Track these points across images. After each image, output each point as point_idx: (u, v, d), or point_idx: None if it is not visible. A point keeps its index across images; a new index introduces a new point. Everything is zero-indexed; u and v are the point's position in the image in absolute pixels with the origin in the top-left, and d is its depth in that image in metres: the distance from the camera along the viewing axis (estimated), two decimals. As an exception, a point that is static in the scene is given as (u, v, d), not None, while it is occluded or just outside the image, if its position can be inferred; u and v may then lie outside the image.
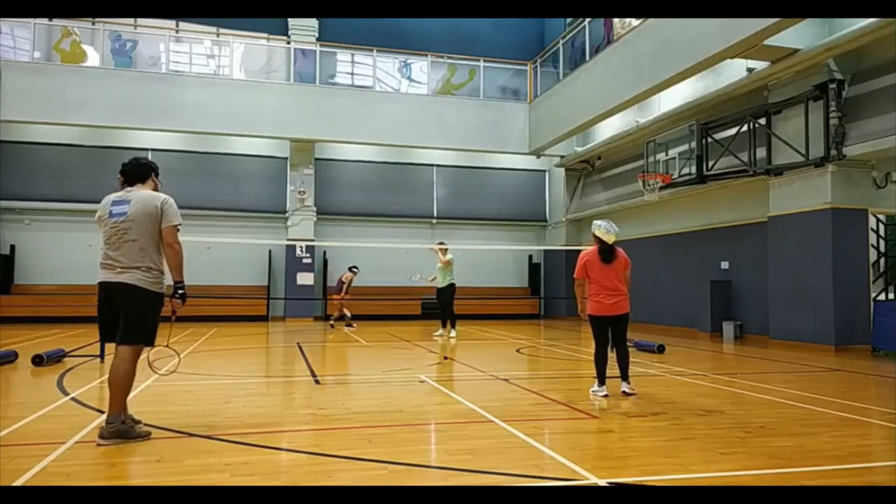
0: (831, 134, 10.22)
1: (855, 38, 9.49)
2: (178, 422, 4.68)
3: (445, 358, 9.41)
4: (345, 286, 14.88)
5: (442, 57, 18.36)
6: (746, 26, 9.37)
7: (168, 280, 4.42)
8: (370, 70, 18.08)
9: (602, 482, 3.36)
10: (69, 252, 16.35)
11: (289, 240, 17.45)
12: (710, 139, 12.27)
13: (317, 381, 7.04)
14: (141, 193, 4.39)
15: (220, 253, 17.20)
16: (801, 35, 10.13)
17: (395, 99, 17.90)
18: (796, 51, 10.28)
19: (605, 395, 5.94)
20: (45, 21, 15.98)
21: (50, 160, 16.73)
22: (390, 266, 18.17)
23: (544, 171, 20.44)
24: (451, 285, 12.49)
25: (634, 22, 12.82)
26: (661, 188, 13.21)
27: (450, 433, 4.60)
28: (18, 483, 3.28)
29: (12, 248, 16.51)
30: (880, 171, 10.63)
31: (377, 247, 18.10)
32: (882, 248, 11.28)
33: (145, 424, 4.41)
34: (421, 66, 18.40)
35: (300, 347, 10.59)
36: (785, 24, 9.09)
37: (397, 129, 17.22)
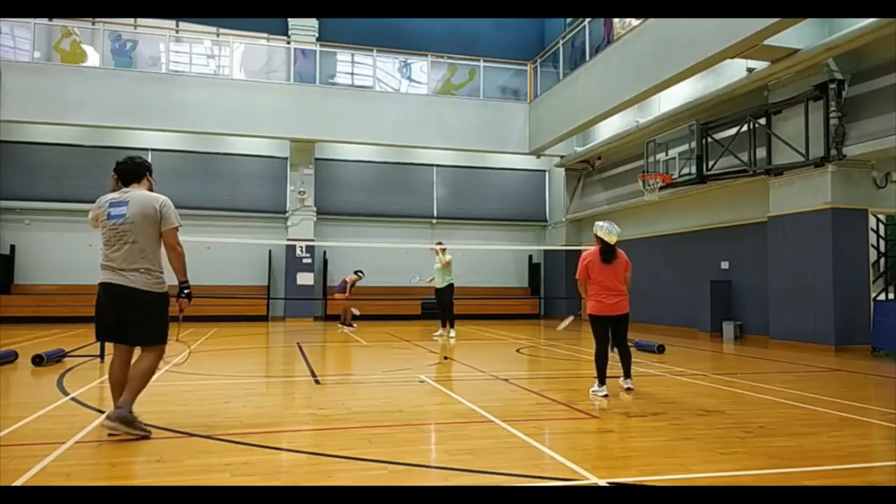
0: (831, 134, 10.22)
1: (855, 38, 9.49)
2: (178, 422, 4.68)
3: (445, 358, 9.41)
4: (348, 286, 14.91)
5: (442, 57, 18.36)
6: (746, 26, 9.37)
7: (171, 280, 4.47)
8: (370, 70, 18.08)
9: (602, 482, 3.36)
10: (69, 252, 16.35)
11: (289, 240, 17.46)
12: (710, 139, 12.27)
13: (317, 381, 7.04)
14: (138, 194, 4.40)
15: (220, 253, 17.19)
16: (801, 35, 10.13)
17: (395, 99, 17.90)
18: (796, 51, 10.28)
19: (605, 396, 5.95)
20: (45, 21, 15.98)
21: (50, 160, 16.73)
22: (390, 266, 18.17)
23: (544, 171, 20.44)
24: (450, 285, 12.50)
25: (634, 22, 12.82)
26: (661, 188, 13.21)
27: (450, 433, 4.60)
28: (18, 483, 3.28)
29: (12, 248, 16.51)
30: (880, 171, 10.63)
31: (377, 247, 18.10)
32: (882, 248, 11.29)
33: (145, 424, 4.41)
34: (421, 66, 18.41)
35: (300, 347, 10.59)
36: (785, 24, 9.09)
37: (397, 129, 17.22)
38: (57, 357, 8.12)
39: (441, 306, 12.69)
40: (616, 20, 13.87)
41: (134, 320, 4.33)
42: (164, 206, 4.39)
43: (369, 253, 18.26)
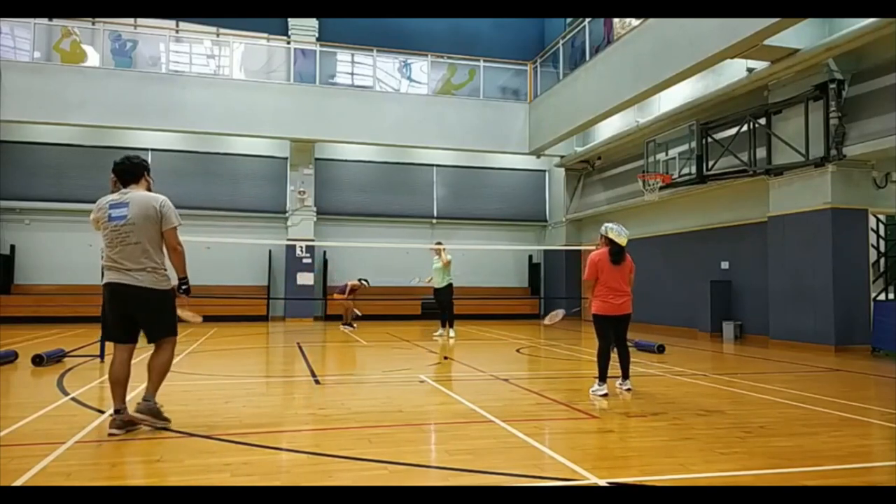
0: (831, 134, 10.22)
1: (855, 38, 9.49)
2: (178, 422, 4.68)
3: (445, 358, 9.41)
4: (348, 289, 14.91)
5: (442, 57, 18.36)
6: (746, 26, 9.37)
7: (172, 277, 4.62)
8: (370, 70, 18.08)
9: (602, 482, 3.36)
10: (69, 252, 16.35)
11: (289, 240, 17.45)
12: (710, 139, 12.27)
13: (317, 381, 7.04)
14: (138, 195, 4.49)
15: (220, 253, 17.19)
16: (801, 35, 10.13)
17: (395, 99, 17.90)
18: (796, 51, 10.28)
19: (605, 394, 5.97)
20: (45, 21, 15.98)
21: (50, 160, 16.73)
22: (390, 266, 18.17)
23: (544, 171, 20.44)
24: (449, 285, 12.50)
25: (634, 22, 12.82)
26: (661, 188, 13.21)
27: (450, 433, 4.61)
28: (18, 483, 3.28)
29: (12, 248, 16.51)
30: (880, 171, 10.62)
31: (377, 247, 18.11)
32: (882, 248, 11.28)
33: (145, 425, 4.48)
34: (421, 66, 18.40)
35: (300, 347, 10.59)
36: (785, 24, 9.09)
37: (397, 129, 17.22)
38: (57, 357, 8.12)
39: (440, 306, 12.69)
40: (616, 20, 13.87)
41: (145, 318, 4.49)
42: (164, 205, 4.48)
43: (369, 253, 18.26)
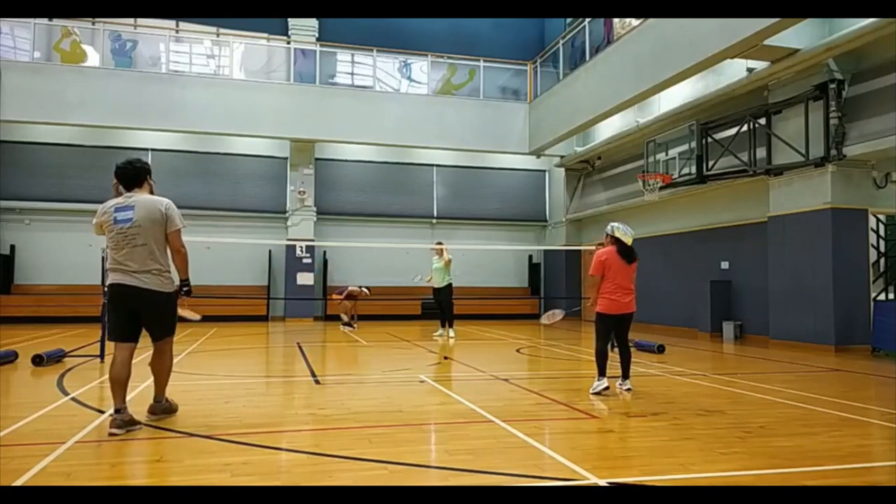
0: (831, 134, 10.22)
1: (855, 38, 9.49)
2: (178, 422, 4.68)
3: (445, 358, 9.41)
4: (346, 292, 14.88)
5: (442, 57, 18.36)
6: (746, 26, 9.37)
7: (175, 278, 4.72)
8: (370, 70, 18.08)
9: (602, 482, 3.36)
10: (69, 252, 16.35)
11: (289, 240, 17.45)
12: (710, 139, 12.27)
13: (317, 381, 7.04)
14: (143, 199, 4.57)
15: (220, 253, 17.19)
16: (801, 35, 10.13)
17: (395, 99, 17.90)
18: (796, 51, 10.28)
19: (606, 388, 6.03)
20: (45, 21, 15.98)
21: (50, 160, 16.73)
22: (390, 266, 18.17)
23: (544, 171, 20.44)
24: (449, 285, 12.50)
25: (634, 22, 12.82)
26: (661, 188, 13.21)
27: (450, 433, 4.61)
28: (18, 483, 3.28)
29: (12, 248, 16.50)
30: (880, 171, 10.63)
31: (377, 247, 18.10)
32: (882, 248, 11.28)
33: (145, 424, 4.53)
34: (421, 66, 18.40)
35: (300, 347, 10.59)
36: (785, 24, 9.09)
37: (397, 129, 17.22)
38: (57, 357, 8.12)
39: (440, 306, 12.69)
40: (616, 20, 13.87)
41: (150, 319, 4.61)
42: (169, 208, 4.60)
43: (369, 253, 18.26)
